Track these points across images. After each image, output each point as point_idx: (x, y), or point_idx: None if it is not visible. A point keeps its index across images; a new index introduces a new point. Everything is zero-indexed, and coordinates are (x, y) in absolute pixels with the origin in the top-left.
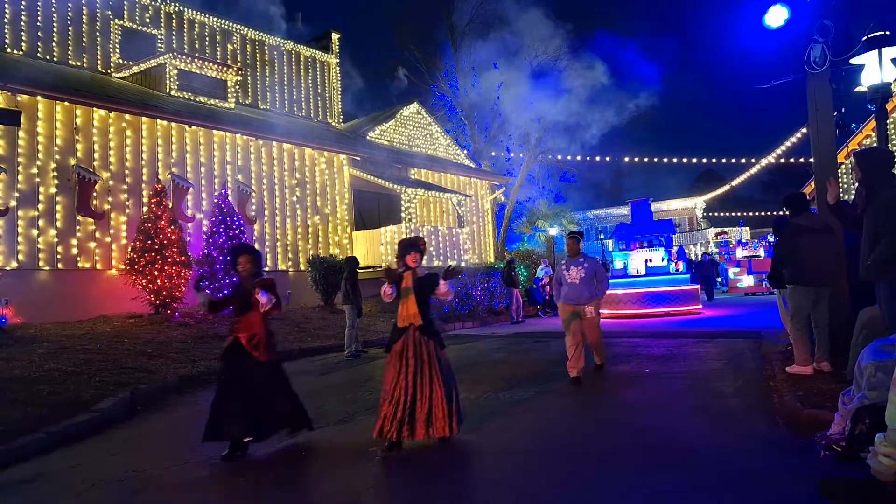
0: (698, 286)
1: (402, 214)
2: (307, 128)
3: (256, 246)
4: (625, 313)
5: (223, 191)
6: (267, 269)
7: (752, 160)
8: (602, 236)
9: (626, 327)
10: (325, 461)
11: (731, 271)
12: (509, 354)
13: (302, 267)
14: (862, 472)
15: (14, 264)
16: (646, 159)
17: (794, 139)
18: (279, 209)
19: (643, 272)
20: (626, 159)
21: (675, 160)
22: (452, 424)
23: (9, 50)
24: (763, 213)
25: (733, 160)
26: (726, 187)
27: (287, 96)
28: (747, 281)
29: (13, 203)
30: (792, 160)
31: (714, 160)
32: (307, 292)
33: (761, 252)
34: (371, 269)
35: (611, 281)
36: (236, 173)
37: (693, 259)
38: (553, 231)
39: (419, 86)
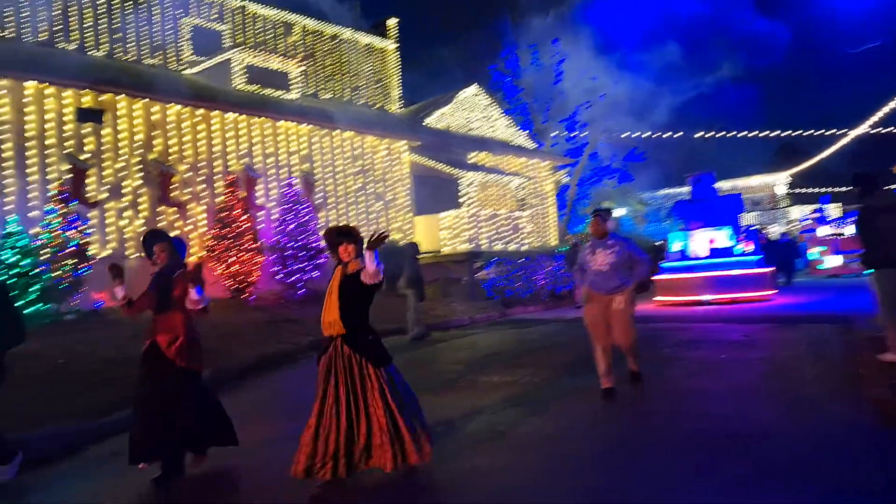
0: (772, 269)
1: (462, 199)
2: (367, 115)
3: (323, 233)
4: (682, 300)
5: (290, 180)
6: None
7: (843, 131)
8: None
9: (693, 314)
10: None
11: (813, 251)
12: (571, 339)
13: None
14: None
15: (106, 252)
16: (722, 133)
17: (888, 108)
18: (342, 196)
19: (705, 254)
20: (700, 134)
21: (754, 133)
22: (406, 451)
23: (90, 52)
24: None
25: (821, 132)
26: (813, 161)
27: (347, 84)
28: (832, 262)
29: (103, 196)
30: (888, 129)
31: (798, 133)
32: None
33: (850, 230)
34: (431, 254)
35: (666, 265)
36: (302, 163)
37: (770, 239)
38: (620, 212)
39: (478, 67)
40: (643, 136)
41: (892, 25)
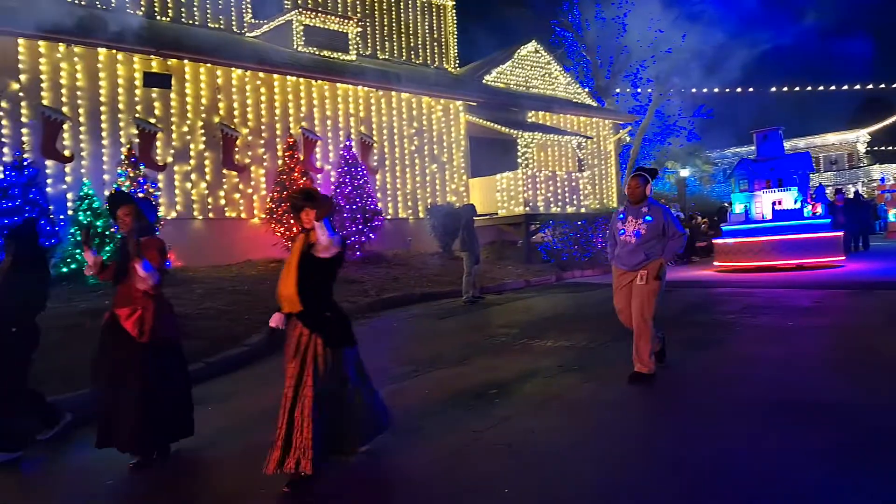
0: (840, 233)
1: (519, 160)
2: (423, 75)
3: (379, 195)
4: (743, 265)
5: (347, 142)
6: (388, 217)
7: None
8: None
9: (755, 280)
10: (450, 400)
11: (893, 213)
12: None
13: (420, 214)
14: None
15: (173, 214)
16: (797, 88)
17: None
18: (398, 158)
19: (769, 217)
20: (774, 89)
21: (832, 87)
22: (353, 439)
23: (158, 17)
24: None
25: None
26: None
27: (404, 44)
28: None
29: (170, 159)
30: None
31: (882, 86)
32: (426, 239)
33: None
34: (487, 217)
35: (728, 228)
36: (359, 125)
37: (847, 200)
38: (685, 172)
39: (538, 23)
40: (713, 91)
41: None
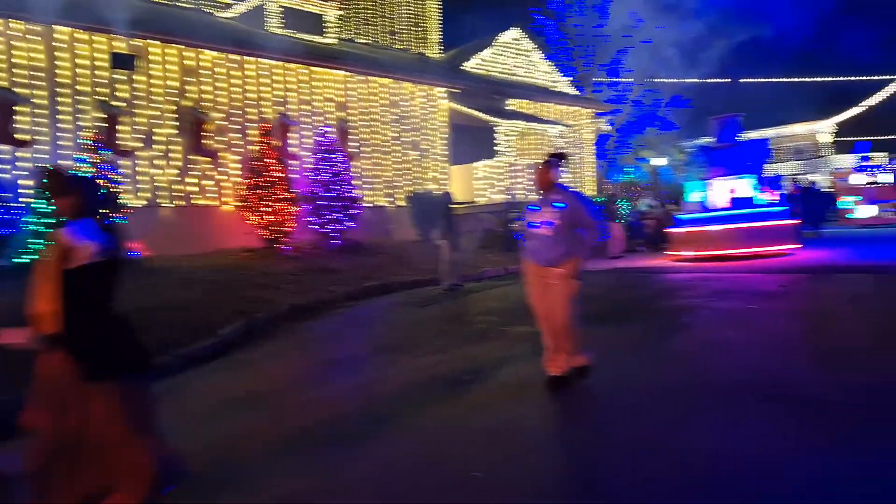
0: (797, 221)
1: (498, 148)
2: (404, 61)
3: (358, 183)
4: (697, 255)
5: (325, 128)
6: (367, 204)
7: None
8: None
9: (706, 269)
10: (427, 387)
11: (845, 200)
12: (603, 290)
13: (400, 202)
14: None
15: (140, 202)
16: (768, 79)
17: None
18: (378, 145)
19: (724, 205)
20: (745, 80)
21: (799, 80)
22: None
23: None
24: None
25: (872, 77)
26: (859, 108)
27: (384, 29)
28: (867, 211)
29: (137, 144)
30: None
31: (848, 78)
32: (405, 227)
33: (888, 178)
34: (466, 205)
35: (682, 217)
36: (337, 110)
37: (804, 188)
38: (659, 161)
39: (519, 9)
40: (688, 81)
41: None
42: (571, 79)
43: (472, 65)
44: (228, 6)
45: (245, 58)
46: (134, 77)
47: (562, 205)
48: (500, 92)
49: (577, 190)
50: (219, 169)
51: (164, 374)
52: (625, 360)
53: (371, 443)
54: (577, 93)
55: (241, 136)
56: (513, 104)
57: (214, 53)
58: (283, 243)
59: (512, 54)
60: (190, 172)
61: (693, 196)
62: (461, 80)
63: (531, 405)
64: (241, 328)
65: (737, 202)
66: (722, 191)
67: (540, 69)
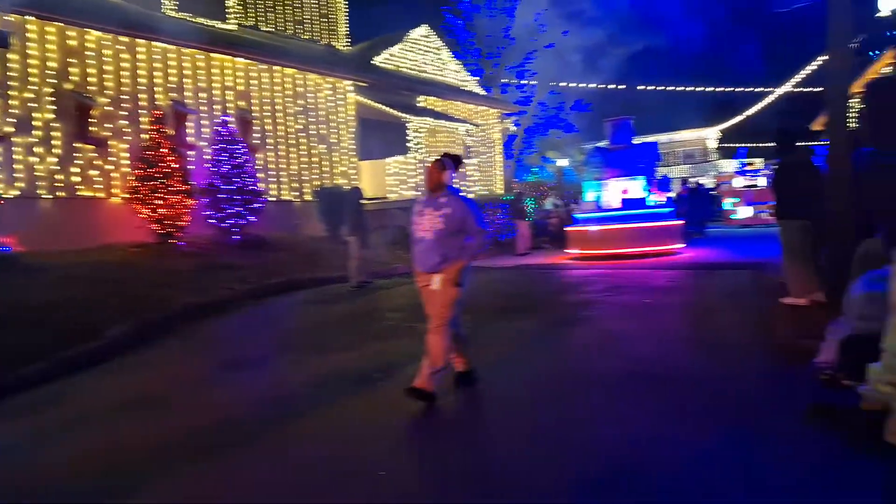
0: (681, 222)
1: (409, 144)
2: (311, 51)
3: (261, 176)
4: (592, 254)
5: (225, 117)
6: (272, 198)
7: (769, 89)
8: None
9: (607, 266)
10: (334, 388)
11: (727, 202)
12: (511, 286)
13: (307, 197)
14: (847, 400)
15: (14, 192)
16: (661, 87)
17: (814, 66)
18: (283, 137)
19: (618, 205)
20: (641, 87)
21: (689, 89)
22: None
23: None
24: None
25: (749, 89)
26: (740, 117)
27: (290, 17)
28: (744, 212)
29: (9, 129)
30: (810, 89)
31: (730, 89)
32: (313, 223)
33: (762, 181)
34: (377, 200)
35: (579, 216)
36: (238, 99)
37: (692, 190)
38: (563, 162)
39: (429, 7)
40: (588, 86)
41: None
42: (479, 79)
43: (381, 59)
44: None
45: (136, 40)
46: (8, 56)
47: (449, 210)
48: (409, 88)
49: (466, 195)
50: (107, 158)
51: (39, 380)
52: (526, 352)
53: (268, 447)
54: (485, 93)
55: (132, 123)
56: (423, 101)
57: (99, 34)
58: (177, 238)
59: (422, 51)
60: (74, 161)
61: (589, 196)
62: (370, 74)
63: (438, 400)
64: (132, 329)
65: (628, 203)
66: (615, 191)
67: (450, 67)
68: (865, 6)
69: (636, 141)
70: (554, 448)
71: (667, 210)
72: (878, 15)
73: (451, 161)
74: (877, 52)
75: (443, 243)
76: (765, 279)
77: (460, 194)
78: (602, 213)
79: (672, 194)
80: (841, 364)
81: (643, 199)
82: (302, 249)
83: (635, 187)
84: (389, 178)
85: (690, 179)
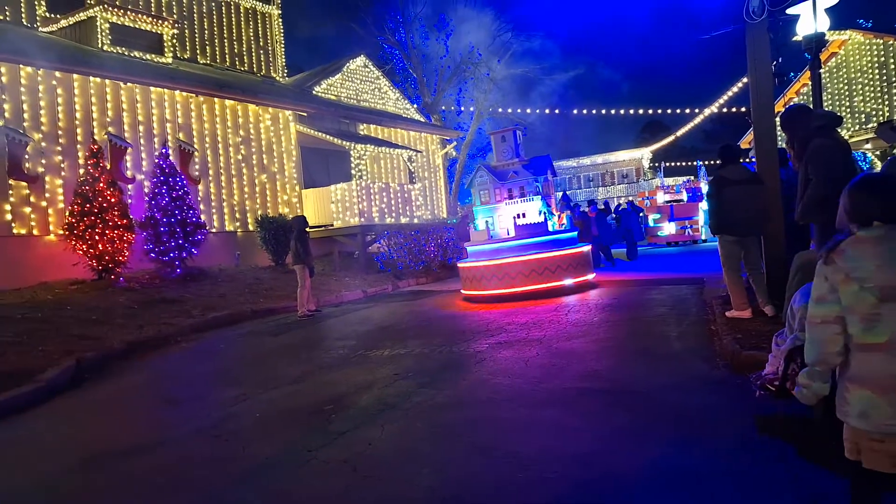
0: (587, 247)
1: (353, 171)
2: (250, 82)
3: (202, 207)
4: (487, 294)
5: (164, 150)
6: (214, 230)
7: (696, 110)
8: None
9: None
10: (282, 421)
11: (651, 218)
12: (461, 309)
13: (251, 227)
14: (793, 409)
15: None
16: (593, 111)
17: (735, 89)
18: (224, 168)
19: (512, 234)
20: (575, 111)
21: (621, 111)
22: None
23: None
24: (707, 162)
25: (678, 110)
26: (671, 138)
27: (228, 50)
28: (668, 229)
29: None
30: (733, 110)
31: (659, 111)
32: (257, 253)
33: (684, 196)
34: (322, 228)
35: (471, 248)
36: (177, 131)
37: (598, 211)
38: None
39: (366, 38)
40: (525, 111)
41: (738, 13)
42: (418, 106)
43: (321, 89)
44: (53, 20)
45: (70, 75)
46: None
47: None
48: (349, 116)
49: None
50: (41, 194)
51: None
52: (477, 373)
53: (215, 489)
54: (424, 120)
55: (68, 158)
56: (365, 129)
57: (31, 69)
58: (117, 274)
59: (360, 80)
60: (9, 199)
61: (480, 223)
62: (310, 103)
63: (392, 429)
64: (68, 371)
65: (522, 229)
66: (508, 216)
67: (389, 96)
68: (783, 32)
69: (529, 156)
70: (495, 464)
71: (569, 235)
72: (794, 38)
73: None
74: (796, 73)
75: None
76: (711, 293)
77: None
78: (494, 245)
79: (569, 213)
80: (787, 375)
81: (544, 224)
82: (247, 280)
83: (532, 210)
84: (334, 206)
85: (624, 199)
